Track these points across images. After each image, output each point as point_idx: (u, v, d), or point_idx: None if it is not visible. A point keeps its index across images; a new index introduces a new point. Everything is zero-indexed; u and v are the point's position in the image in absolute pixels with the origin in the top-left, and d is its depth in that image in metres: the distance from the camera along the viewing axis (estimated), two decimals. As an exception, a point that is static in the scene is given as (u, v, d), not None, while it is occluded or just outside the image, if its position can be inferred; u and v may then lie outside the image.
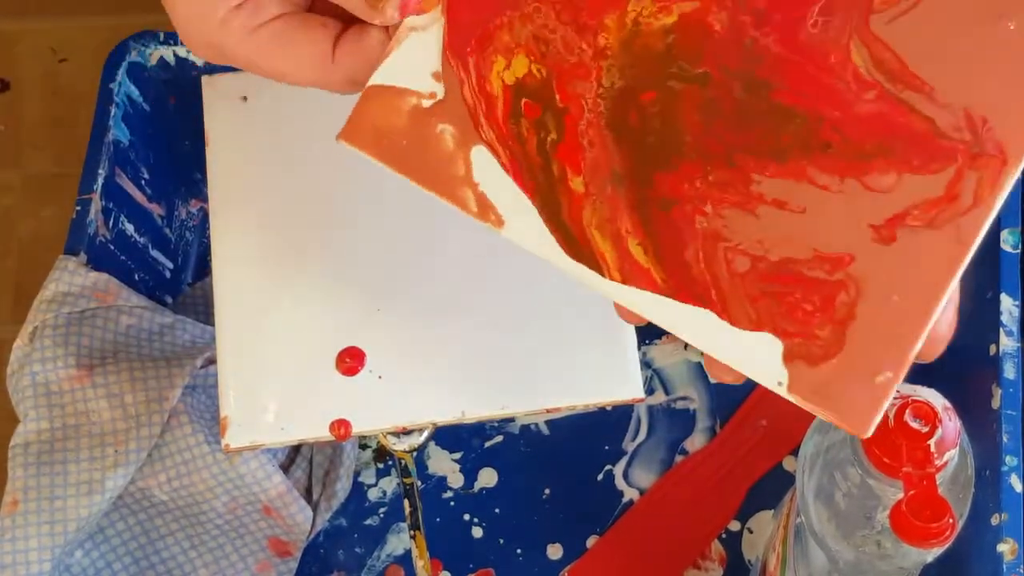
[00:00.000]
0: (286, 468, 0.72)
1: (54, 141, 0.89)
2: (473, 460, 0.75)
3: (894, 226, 0.44)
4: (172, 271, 0.78)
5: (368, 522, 0.74)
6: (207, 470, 0.68)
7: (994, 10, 0.44)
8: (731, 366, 0.45)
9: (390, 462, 0.75)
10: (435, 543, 0.70)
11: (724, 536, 0.73)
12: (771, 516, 0.72)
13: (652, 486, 0.74)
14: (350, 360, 0.57)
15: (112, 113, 0.73)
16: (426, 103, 0.46)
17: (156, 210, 0.77)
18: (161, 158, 0.77)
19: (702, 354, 0.47)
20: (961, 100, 0.44)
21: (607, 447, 0.75)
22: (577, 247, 0.45)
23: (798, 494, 0.55)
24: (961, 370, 0.70)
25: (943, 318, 0.44)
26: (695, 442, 0.75)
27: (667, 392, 0.76)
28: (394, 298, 0.58)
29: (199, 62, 0.74)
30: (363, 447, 0.75)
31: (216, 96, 0.63)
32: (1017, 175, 0.44)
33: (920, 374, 0.73)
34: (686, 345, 0.77)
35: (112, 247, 0.72)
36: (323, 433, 0.56)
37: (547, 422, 0.75)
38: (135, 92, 0.75)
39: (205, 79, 0.65)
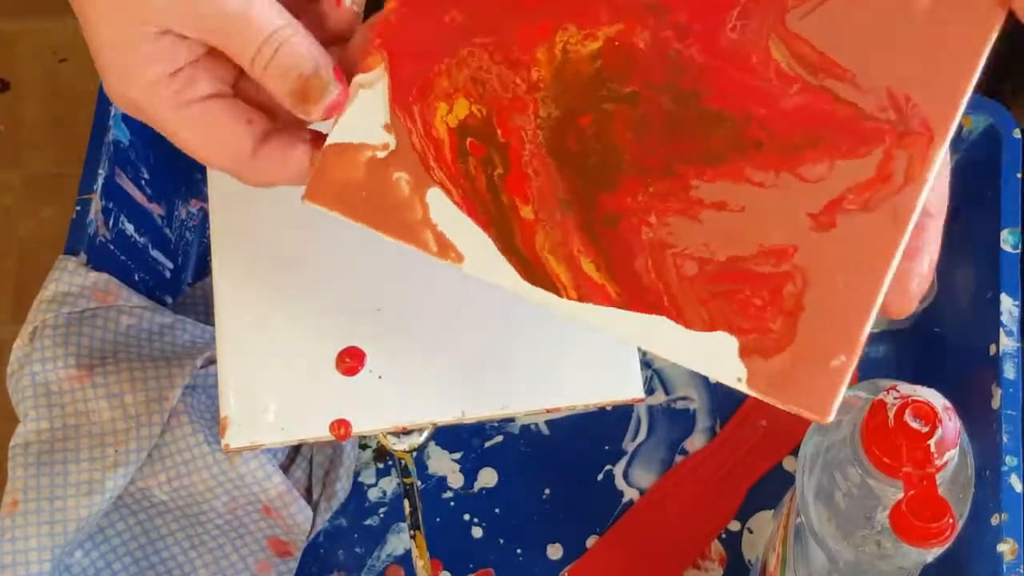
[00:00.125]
0: (286, 468, 0.72)
1: (54, 141, 0.89)
2: (473, 460, 0.75)
3: (832, 212, 0.45)
4: (172, 271, 0.78)
5: (368, 522, 0.74)
6: (207, 470, 0.68)
7: None
8: (691, 368, 0.46)
9: (390, 462, 0.75)
10: (435, 543, 0.70)
11: (724, 536, 0.73)
12: (771, 516, 0.72)
13: (652, 486, 0.74)
14: (350, 360, 0.57)
15: (112, 113, 0.73)
16: (380, 154, 0.48)
17: (156, 210, 0.77)
18: (161, 158, 0.77)
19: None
20: (883, 81, 0.45)
21: (607, 447, 0.75)
22: (533, 272, 0.47)
23: (798, 494, 0.55)
24: (961, 370, 0.71)
25: (916, 275, 0.45)
26: (695, 442, 0.75)
27: (667, 392, 0.76)
28: (394, 298, 0.58)
29: (199, 62, 0.74)
30: (363, 447, 0.75)
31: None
32: (945, 149, 0.45)
33: (920, 374, 0.73)
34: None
35: (112, 247, 0.72)
36: (323, 433, 0.56)
37: (547, 422, 0.75)
38: (135, 92, 0.75)
39: (205, 79, 0.65)
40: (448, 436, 0.75)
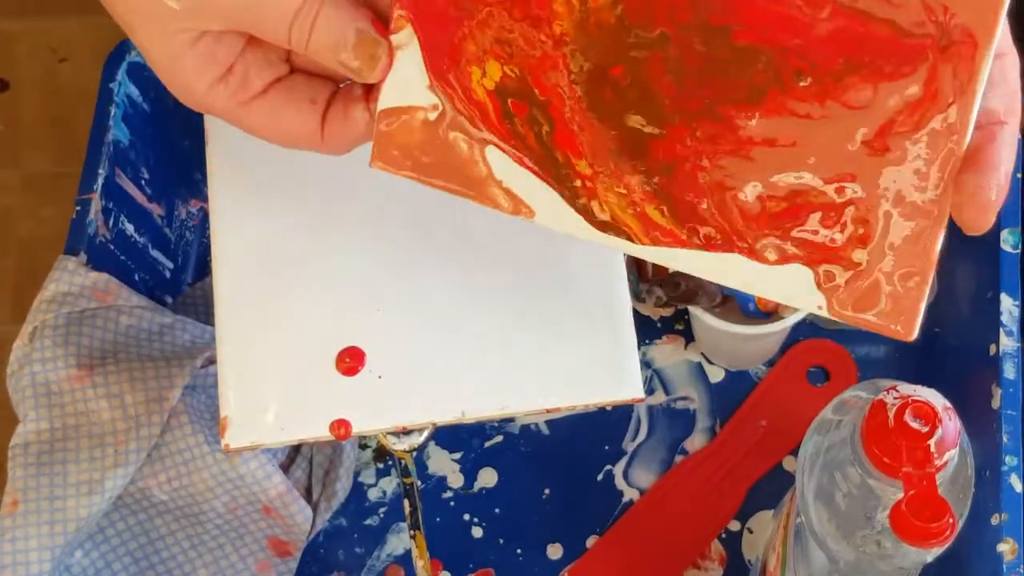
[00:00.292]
0: (286, 468, 0.72)
1: (54, 141, 0.89)
2: (473, 460, 0.75)
3: (884, 137, 0.44)
4: (172, 271, 0.78)
5: (368, 522, 0.74)
6: (207, 470, 0.68)
7: None
8: (772, 299, 0.47)
9: (390, 462, 0.75)
10: (435, 543, 0.70)
11: (724, 536, 0.73)
12: (771, 516, 0.72)
13: (652, 486, 0.74)
14: (350, 360, 0.57)
15: (112, 113, 0.73)
16: (432, 115, 0.47)
17: (156, 210, 0.77)
18: (161, 158, 0.77)
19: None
20: None
21: (607, 447, 0.75)
22: (602, 223, 0.47)
23: (798, 494, 0.55)
24: (961, 370, 0.71)
25: (993, 186, 0.44)
26: (695, 442, 0.75)
27: (667, 392, 0.76)
28: (394, 298, 0.58)
29: (199, 62, 0.74)
30: (363, 447, 0.75)
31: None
32: (991, 56, 0.43)
33: (920, 374, 0.73)
34: (686, 345, 0.77)
35: (112, 247, 0.72)
36: (323, 433, 0.56)
37: (547, 422, 0.75)
38: (135, 92, 0.75)
39: (205, 79, 0.65)
40: (448, 436, 0.75)
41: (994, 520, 0.64)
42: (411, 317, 0.58)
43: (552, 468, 0.74)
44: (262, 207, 0.60)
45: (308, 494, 0.72)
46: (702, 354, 0.77)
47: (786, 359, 0.76)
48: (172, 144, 0.78)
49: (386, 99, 0.47)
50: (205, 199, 0.78)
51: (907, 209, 0.45)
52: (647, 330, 0.77)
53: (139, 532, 0.68)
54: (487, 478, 0.74)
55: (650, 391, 0.76)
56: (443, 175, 0.48)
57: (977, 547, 0.64)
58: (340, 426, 0.56)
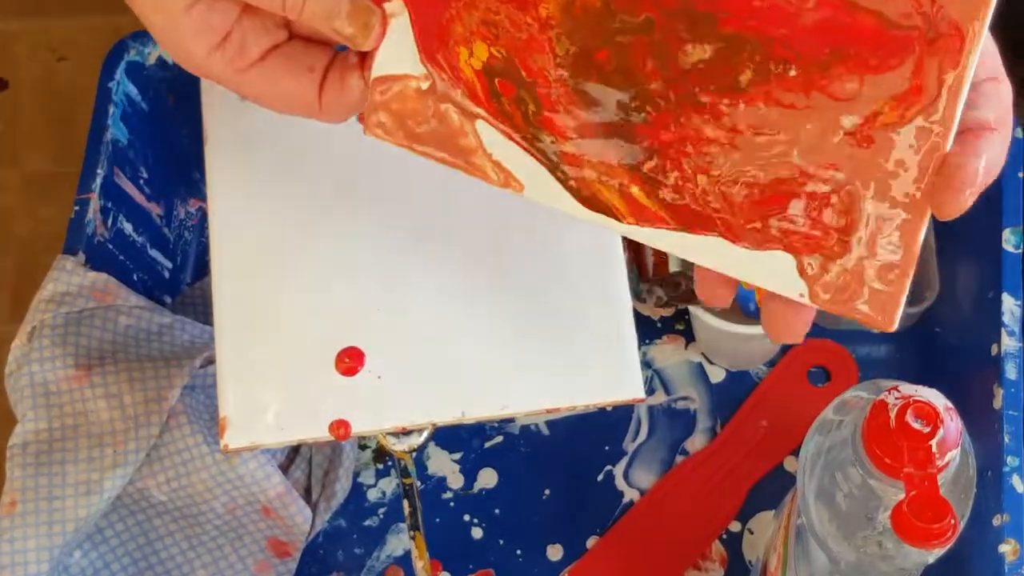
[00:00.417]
0: (285, 468, 0.72)
1: (52, 140, 0.89)
2: (473, 460, 0.75)
3: (868, 129, 0.44)
4: (171, 271, 0.78)
5: (368, 523, 0.73)
6: (206, 470, 0.68)
7: None
8: (754, 284, 0.47)
9: (390, 462, 0.74)
10: (435, 544, 0.70)
11: (725, 537, 0.73)
12: (772, 517, 0.72)
13: (652, 486, 0.74)
14: (350, 360, 0.57)
15: (111, 112, 0.73)
16: (424, 85, 0.48)
17: (155, 209, 0.77)
18: (160, 157, 0.77)
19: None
20: None
21: (607, 447, 0.75)
22: (589, 201, 0.47)
23: (799, 495, 0.55)
24: (963, 370, 0.70)
25: (969, 172, 0.44)
26: (695, 442, 0.75)
27: (667, 392, 0.76)
28: (394, 299, 0.58)
29: (198, 61, 0.74)
30: (363, 447, 0.75)
31: (215, 95, 0.63)
32: (978, 51, 0.43)
33: (922, 374, 0.73)
34: (687, 345, 0.77)
35: (111, 247, 0.72)
36: (322, 433, 0.56)
37: (547, 422, 0.75)
38: (134, 91, 0.75)
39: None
40: (448, 436, 0.75)
41: (996, 521, 0.64)
42: (411, 317, 0.58)
43: (552, 468, 0.74)
44: (261, 207, 0.60)
45: (307, 494, 0.72)
46: (703, 354, 0.77)
47: (787, 359, 0.76)
48: (171, 143, 0.78)
49: (380, 67, 0.48)
50: (204, 199, 0.78)
51: (890, 201, 0.45)
52: (647, 330, 0.77)
53: (138, 532, 0.68)
54: (487, 478, 0.74)
55: (650, 391, 0.76)
56: (434, 144, 0.48)
57: (979, 548, 0.64)
58: (340, 426, 0.56)
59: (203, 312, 0.76)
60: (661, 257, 0.74)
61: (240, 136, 0.62)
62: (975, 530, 0.61)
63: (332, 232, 0.59)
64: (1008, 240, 0.69)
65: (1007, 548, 0.63)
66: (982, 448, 0.58)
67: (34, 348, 0.67)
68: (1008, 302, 0.68)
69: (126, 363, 0.68)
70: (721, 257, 0.47)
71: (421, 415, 0.57)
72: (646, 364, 0.76)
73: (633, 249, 0.75)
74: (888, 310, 0.46)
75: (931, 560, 0.53)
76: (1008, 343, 0.67)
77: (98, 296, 0.69)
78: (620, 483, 0.74)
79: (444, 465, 0.74)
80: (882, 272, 0.45)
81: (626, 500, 0.73)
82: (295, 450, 0.73)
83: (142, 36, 0.74)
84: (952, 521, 0.47)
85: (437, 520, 0.73)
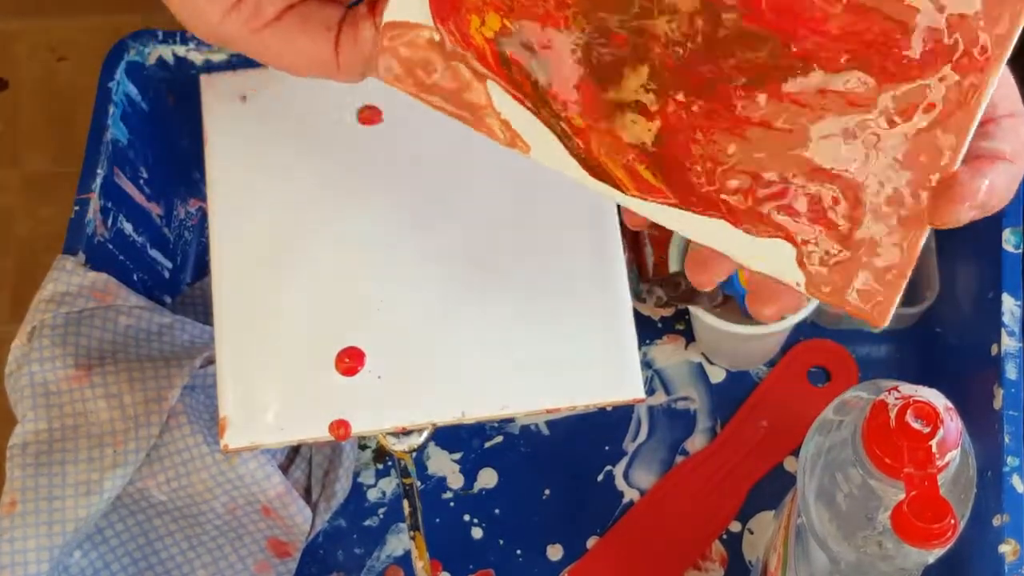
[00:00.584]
0: (285, 468, 0.72)
1: (52, 140, 0.89)
2: (473, 460, 0.74)
3: (880, 133, 0.44)
4: (171, 271, 0.78)
5: (368, 523, 0.73)
6: (206, 471, 0.68)
7: None
8: (752, 269, 0.47)
9: (390, 462, 0.74)
10: (435, 544, 0.70)
11: (725, 537, 0.73)
12: (772, 517, 0.72)
13: (652, 487, 0.74)
14: (350, 360, 0.57)
15: (111, 112, 0.73)
16: (436, 36, 0.47)
17: (155, 209, 0.77)
18: (160, 157, 0.77)
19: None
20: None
21: (607, 447, 0.75)
22: (595, 171, 0.47)
23: (799, 495, 0.55)
24: (963, 370, 0.70)
25: (971, 189, 0.44)
26: (695, 442, 0.75)
27: (667, 392, 0.76)
28: (394, 298, 0.58)
29: (198, 61, 0.74)
30: (363, 447, 0.75)
31: (215, 95, 0.63)
32: (1000, 70, 0.43)
33: (922, 374, 0.73)
34: (687, 345, 0.77)
35: (111, 247, 0.72)
36: (322, 433, 0.56)
37: (547, 422, 0.75)
38: (134, 91, 0.75)
39: (204, 78, 0.65)
40: (448, 436, 0.75)
41: (996, 521, 0.64)
42: (411, 317, 0.58)
43: (552, 469, 0.74)
44: (261, 206, 0.60)
45: (307, 494, 0.72)
46: (703, 354, 0.77)
47: (787, 359, 0.76)
48: (171, 143, 0.78)
49: (391, 12, 0.47)
50: (204, 198, 0.78)
51: (895, 205, 0.45)
52: (647, 330, 0.77)
53: (138, 533, 0.68)
54: (487, 479, 0.74)
55: (651, 391, 0.76)
56: (443, 95, 0.48)
57: (979, 548, 0.64)
58: (340, 426, 0.56)
59: (203, 312, 0.76)
60: (661, 257, 0.74)
61: (240, 136, 0.62)
62: (975, 530, 0.61)
63: (332, 232, 0.59)
64: (1008, 240, 0.69)
65: (1007, 548, 0.63)
66: (982, 448, 0.58)
67: (34, 348, 0.67)
68: (1008, 302, 0.68)
69: (126, 363, 0.68)
70: (723, 239, 0.47)
71: (421, 415, 0.57)
72: (646, 364, 0.76)
73: (633, 249, 0.75)
74: (882, 308, 0.46)
75: (931, 560, 0.53)
76: (1008, 343, 0.67)
77: (98, 296, 0.69)
78: (620, 483, 0.74)
79: (444, 465, 0.74)
80: (881, 272, 0.46)
81: (626, 500, 0.73)
82: (295, 450, 0.73)
83: (142, 36, 0.74)
84: (952, 521, 0.47)
85: (437, 520, 0.73)
